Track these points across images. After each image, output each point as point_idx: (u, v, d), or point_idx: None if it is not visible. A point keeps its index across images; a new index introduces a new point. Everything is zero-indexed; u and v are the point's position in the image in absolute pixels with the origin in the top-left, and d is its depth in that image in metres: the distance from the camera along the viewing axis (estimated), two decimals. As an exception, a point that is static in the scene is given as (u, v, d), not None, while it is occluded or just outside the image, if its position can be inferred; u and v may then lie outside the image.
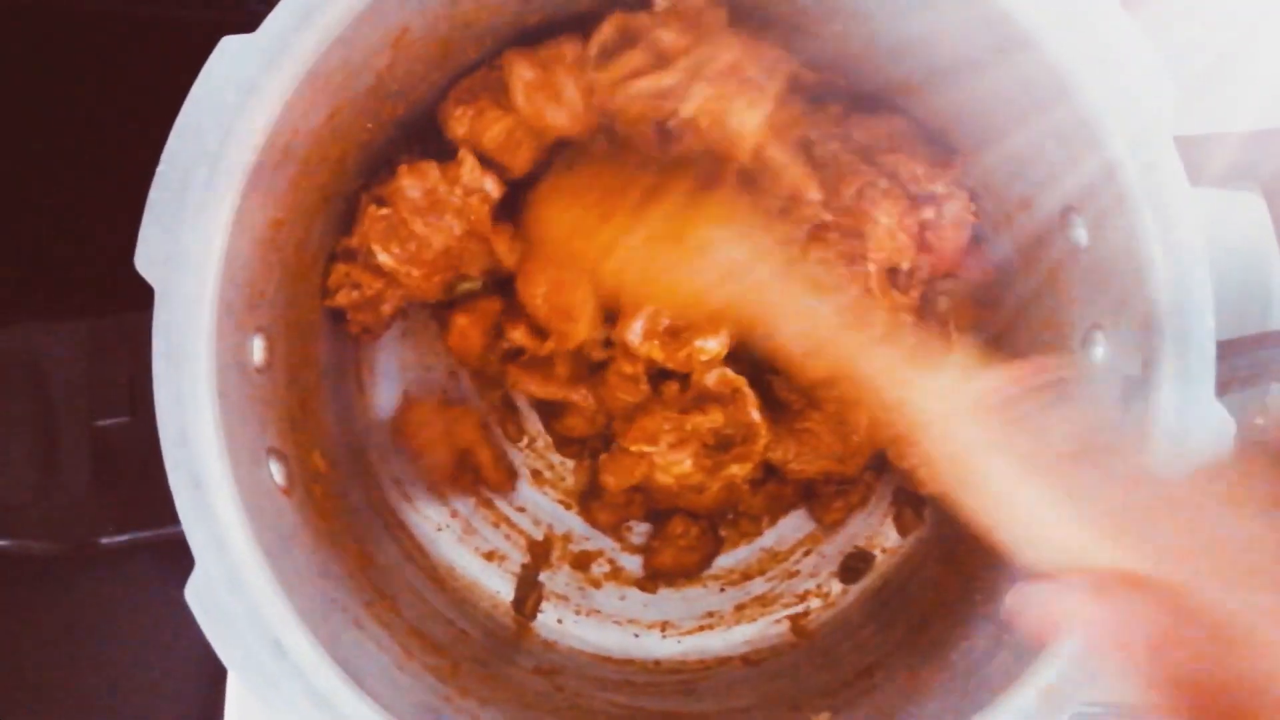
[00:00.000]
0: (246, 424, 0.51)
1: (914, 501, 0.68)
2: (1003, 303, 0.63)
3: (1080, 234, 0.53)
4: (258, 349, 0.53)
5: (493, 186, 0.61)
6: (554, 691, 0.61)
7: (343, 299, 0.62)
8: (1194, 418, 0.47)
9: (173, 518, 0.47)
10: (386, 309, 0.64)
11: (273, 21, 0.48)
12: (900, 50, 0.60)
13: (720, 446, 0.63)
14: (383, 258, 0.60)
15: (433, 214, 0.60)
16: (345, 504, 0.61)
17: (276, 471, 0.53)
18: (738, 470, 0.63)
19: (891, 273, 0.63)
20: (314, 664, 0.47)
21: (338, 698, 0.47)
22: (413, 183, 0.59)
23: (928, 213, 0.62)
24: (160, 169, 0.48)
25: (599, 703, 0.62)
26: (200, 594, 0.46)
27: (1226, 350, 0.53)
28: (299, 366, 0.59)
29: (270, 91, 0.48)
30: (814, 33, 0.63)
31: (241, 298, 0.51)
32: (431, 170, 0.60)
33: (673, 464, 0.62)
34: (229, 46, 0.48)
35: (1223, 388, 0.48)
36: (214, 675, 0.67)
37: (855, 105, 0.65)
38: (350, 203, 0.62)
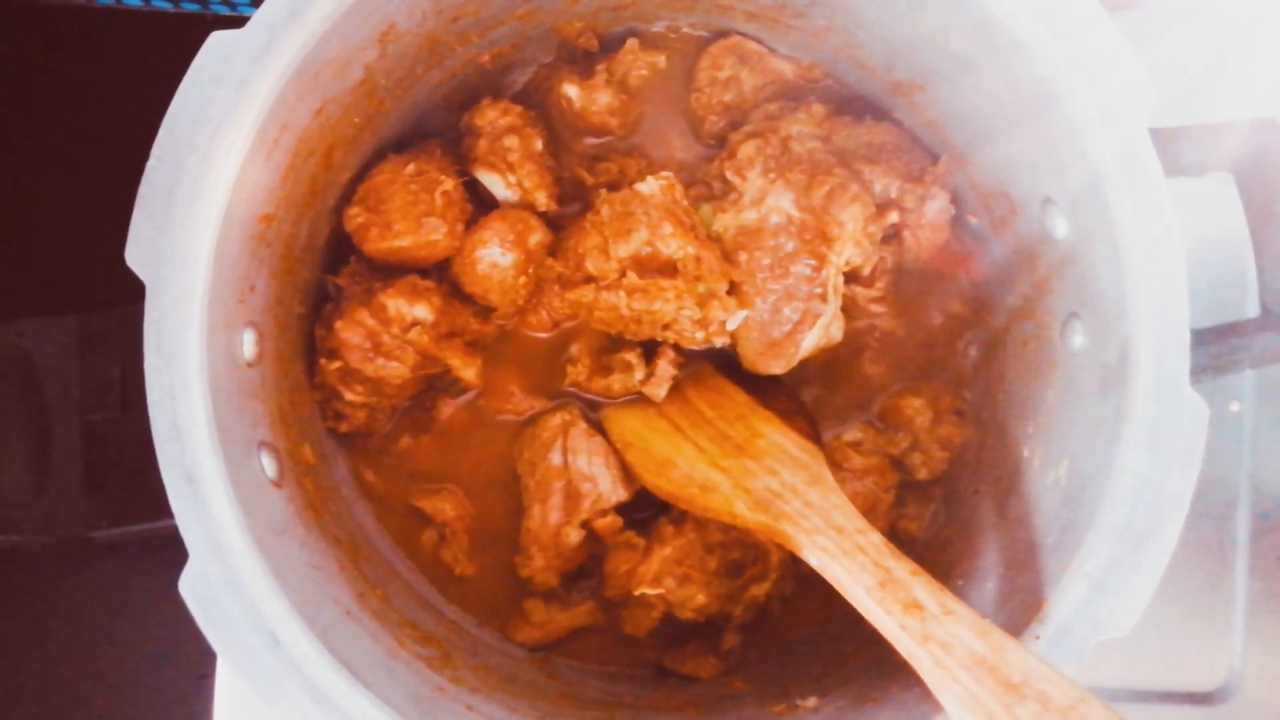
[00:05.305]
0: (238, 418, 0.51)
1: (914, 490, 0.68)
2: (999, 301, 0.64)
3: (1059, 225, 0.54)
4: (248, 343, 0.54)
5: (425, 312, 0.61)
6: (545, 679, 0.62)
7: (346, 427, 0.63)
8: (1170, 405, 0.48)
9: (165, 512, 0.47)
10: (382, 417, 0.65)
11: (261, 17, 0.49)
12: (886, 51, 0.61)
13: (732, 571, 0.63)
14: (350, 397, 0.61)
15: (379, 356, 0.60)
16: (335, 496, 0.62)
17: (268, 465, 0.53)
18: (758, 590, 0.63)
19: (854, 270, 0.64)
20: (308, 655, 0.48)
21: (332, 688, 0.48)
22: (351, 334, 0.60)
23: (908, 206, 0.63)
24: (150, 165, 0.48)
25: (591, 690, 0.62)
26: (194, 587, 0.47)
27: (1201, 338, 0.54)
28: (289, 360, 0.59)
29: (259, 87, 0.49)
30: (797, 28, 0.64)
31: (232, 292, 0.51)
32: (365, 318, 0.60)
33: (687, 600, 0.62)
34: (218, 42, 0.48)
35: (1198, 375, 0.49)
36: (205, 666, 0.67)
37: (842, 108, 0.66)
38: (339, 200, 0.62)
